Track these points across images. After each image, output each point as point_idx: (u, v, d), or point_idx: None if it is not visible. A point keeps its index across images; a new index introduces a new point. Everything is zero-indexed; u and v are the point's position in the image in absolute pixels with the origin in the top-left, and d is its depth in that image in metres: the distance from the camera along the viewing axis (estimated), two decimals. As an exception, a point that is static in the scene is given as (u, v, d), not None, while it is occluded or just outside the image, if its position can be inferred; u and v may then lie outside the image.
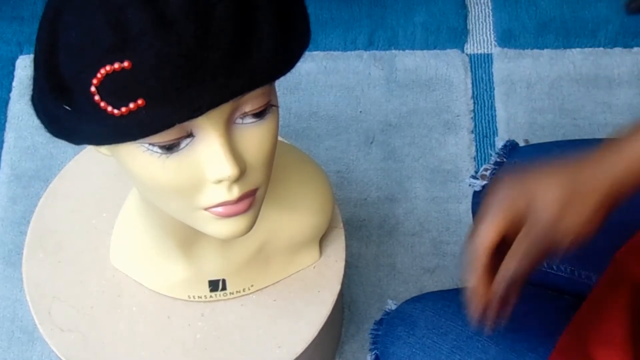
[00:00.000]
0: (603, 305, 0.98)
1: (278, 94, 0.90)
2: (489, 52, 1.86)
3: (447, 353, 1.06)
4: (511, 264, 0.89)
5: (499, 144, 1.29)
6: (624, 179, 0.88)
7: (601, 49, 1.85)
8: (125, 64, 0.77)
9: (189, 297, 1.18)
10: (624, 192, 0.89)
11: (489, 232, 0.90)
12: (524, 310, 1.09)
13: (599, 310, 0.98)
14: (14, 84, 1.83)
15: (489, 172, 1.27)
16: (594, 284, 1.13)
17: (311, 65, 1.82)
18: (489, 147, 1.74)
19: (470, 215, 1.39)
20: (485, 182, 1.26)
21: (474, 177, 1.28)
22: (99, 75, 0.78)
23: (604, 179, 0.88)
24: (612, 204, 0.89)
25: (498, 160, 1.27)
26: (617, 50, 1.85)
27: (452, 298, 1.13)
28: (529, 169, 0.92)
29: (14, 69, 1.85)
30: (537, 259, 0.89)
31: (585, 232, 0.89)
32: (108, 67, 0.77)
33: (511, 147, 1.28)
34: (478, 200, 1.29)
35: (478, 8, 1.91)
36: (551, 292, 1.17)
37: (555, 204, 0.88)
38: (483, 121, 1.78)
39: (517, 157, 1.25)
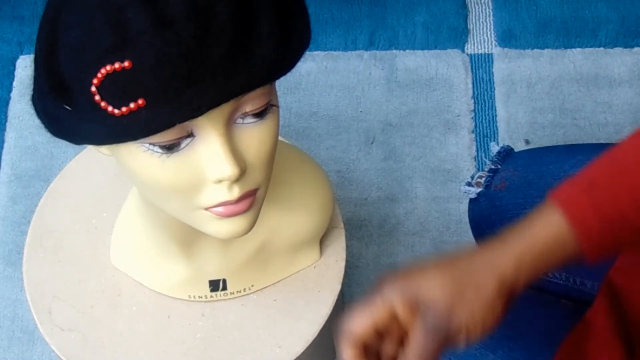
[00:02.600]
0: (596, 330, 0.97)
1: (278, 93, 0.90)
2: (490, 52, 1.86)
3: None
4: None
5: (494, 149, 1.29)
6: (514, 271, 0.85)
7: (602, 48, 1.85)
8: (126, 63, 0.77)
9: (189, 296, 1.18)
10: (517, 284, 0.85)
11: (359, 324, 0.86)
12: (522, 318, 1.09)
13: (592, 335, 0.97)
14: (14, 83, 1.83)
15: (483, 179, 1.27)
16: (587, 290, 1.13)
17: (311, 65, 1.82)
18: (489, 147, 1.74)
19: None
20: (480, 189, 1.26)
21: (469, 184, 1.28)
22: (99, 75, 0.78)
23: (493, 271, 0.85)
24: (507, 296, 0.85)
25: (492, 167, 1.27)
26: (618, 50, 1.85)
27: None
28: (415, 265, 0.87)
29: (14, 69, 1.85)
30: (436, 353, 0.84)
31: (486, 326, 0.85)
32: (108, 67, 0.77)
33: (505, 154, 1.28)
34: (474, 207, 1.29)
35: (478, 8, 1.91)
36: (549, 296, 1.17)
37: (443, 295, 0.84)
38: (483, 121, 1.78)
39: (511, 163, 1.25)
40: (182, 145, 0.84)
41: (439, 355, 0.84)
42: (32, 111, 0.88)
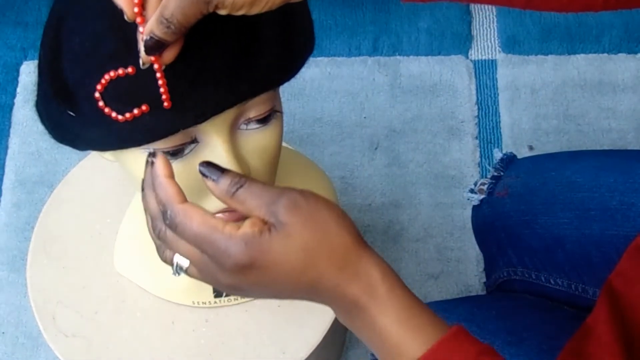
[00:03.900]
0: (597, 335, 0.96)
1: (282, 99, 0.90)
2: (493, 58, 1.86)
3: None
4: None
5: (497, 156, 1.29)
6: None
7: (605, 54, 1.85)
8: (129, 69, 0.77)
9: (193, 302, 1.18)
10: None
11: None
12: (524, 324, 1.09)
13: (593, 340, 0.97)
14: (18, 89, 1.83)
15: (486, 185, 1.27)
16: (589, 297, 1.13)
17: (315, 71, 1.82)
18: (493, 153, 1.74)
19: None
20: (483, 196, 1.26)
21: (471, 190, 1.28)
22: (103, 81, 0.78)
23: None
24: None
25: (495, 174, 1.27)
26: (621, 56, 1.84)
27: (452, 310, 1.12)
28: None
29: (18, 75, 1.85)
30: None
31: None
32: (112, 73, 0.77)
33: (508, 161, 1.28)
34: (477, 214, 1.29)
35: (482, 14, 1.91)
36: (551, 302, 1.17)
37: None
38: (487, 127, 1.78)
39: (514, 170, 1.25)
40: (186, 151, 0.84)
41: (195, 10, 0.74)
42: (35, 117, 0.88)
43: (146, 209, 0.81)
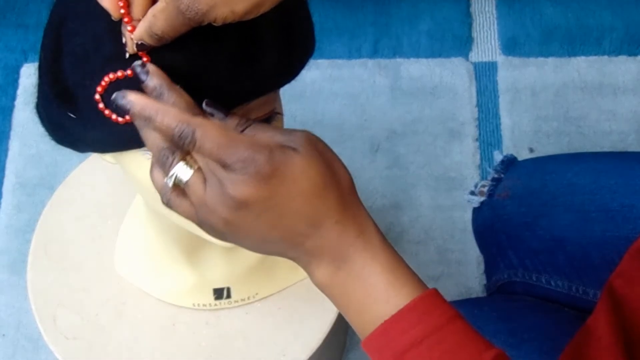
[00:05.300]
0: (597, 336, 0.96)
1: (283, 102, 0.90)
2: (494, 60, 1.86)
3: None
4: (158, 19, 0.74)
5: (497, 158, 1.29)
6: None
7: (606, 57, 1.85)
8: (129, 71, 0.77)
9: (193, 305, 1.18)
10: None
11: None
12: (524, 326, 1.09)
13: (593, 341, 0.97)
14: (18, 92, 1.83)
15: (486, 188, 1.27)
16: (590, 298, 1.13)
17: (316, 73, 1.82)
18: (493, 155, 1.74)
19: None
20: (483, 198, 1.26)
21: (472, 192, 1.28)
22: (103, 83, 0.78)
23: None
24: None
25: (496, 176, 1.27)
26: (622, 58, 1.84)
27: None
28: None
29: (18, 77, 1.85)
30: (177, 22, 0.73)
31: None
32: (112, 75, 0.77)
33: (509, 163, 1.28)
34: (478, 216, 1.29)
35: (483, 16, 1.91)
36: (552, 304, 1.17)
37: None
38: (488, 129, 1.78)
39: (515, 172, 1.25)
40: (187, 152, 0.83)
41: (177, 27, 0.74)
42: (36, 119, 0.88)
43: (150, 146, 0.77)
